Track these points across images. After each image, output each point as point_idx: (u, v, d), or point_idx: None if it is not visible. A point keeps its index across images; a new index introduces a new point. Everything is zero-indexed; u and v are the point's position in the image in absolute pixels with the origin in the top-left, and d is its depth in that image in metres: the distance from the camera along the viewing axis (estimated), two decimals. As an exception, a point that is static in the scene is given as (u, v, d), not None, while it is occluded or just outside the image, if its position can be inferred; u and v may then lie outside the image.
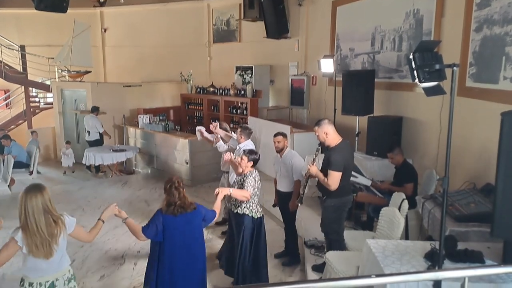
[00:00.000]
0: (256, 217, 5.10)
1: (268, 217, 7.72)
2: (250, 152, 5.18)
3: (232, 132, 7.46)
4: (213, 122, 7.44)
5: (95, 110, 11.87)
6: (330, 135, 4.85)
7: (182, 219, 4.09)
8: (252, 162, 5.07)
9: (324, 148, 5.00)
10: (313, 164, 4.95)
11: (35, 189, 3.44)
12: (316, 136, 4.95)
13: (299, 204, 5.52)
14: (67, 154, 11.90)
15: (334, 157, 4.76)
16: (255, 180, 4.99)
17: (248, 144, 6.53)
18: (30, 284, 3.46)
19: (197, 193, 9.61)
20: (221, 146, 7.13)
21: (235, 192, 4.84)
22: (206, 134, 7.66)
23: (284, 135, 6.00)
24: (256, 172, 5.12)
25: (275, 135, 5.97)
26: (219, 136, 7.15)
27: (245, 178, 5.02)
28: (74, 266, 6.09)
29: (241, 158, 5.10)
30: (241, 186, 5.01)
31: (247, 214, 5.05)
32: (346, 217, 5.31)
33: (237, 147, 6.58)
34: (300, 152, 6.11)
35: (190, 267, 4.19)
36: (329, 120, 4.97)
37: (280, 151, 5.94)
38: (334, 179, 4.73)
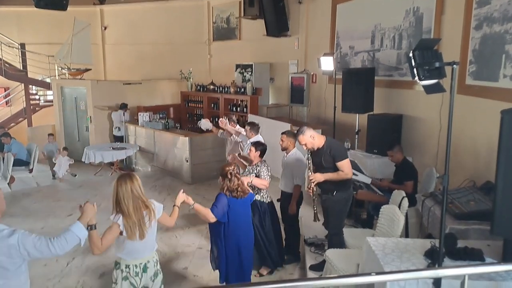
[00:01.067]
0: (266, 201, 5.61)
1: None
2: (256, 144, 5.67)
3: (239, 127, 7.85)
4: (221, 119, 7.77)
5: (124, 107, 12.23)
6: (316, 137, 4.88)
7: (242, 202, 4.66)
8: (259, 152, 5.54)
9: (312, 154, 4.98)
10: (314, 173, 4.90)
11: (126, 176, 3.74)
12: (303, 145, 4.91)
13: (315, 219, 5.24)
14: (61, 163, 10.77)
15: (334, 149, 4.81)
16: (267, 169, 5.46)
17: (257, 139, 6.77)
18: (127, 266, 3.73)
19: (197, 191, 9.61)
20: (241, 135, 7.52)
21: (256, 181, 5.29)
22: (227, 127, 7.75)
23: (289, 135, 5.90)
24: (266, 162, 5.55)
25: (282, 133, 6.02)
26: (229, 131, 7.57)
27: (258, 168, 5.50)
28: (74, 264, 6.14)
29: (250, 150, 5.62)
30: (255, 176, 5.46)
31: (258, 200, 5.50)
32: (346, 214, 5.32)
33: (248, 142, 6.90)
34: (300, 151, 6.08)
35: (250, 243, 4.87)
36: (307, 125, 4.97)
37: (284, 150, 5.94)
38: (347, 167, 4.81)
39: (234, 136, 7.76)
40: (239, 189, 4.60)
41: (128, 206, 3.62)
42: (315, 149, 4.89)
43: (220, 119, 7.78)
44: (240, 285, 4.39)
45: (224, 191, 4.58)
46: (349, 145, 7.65)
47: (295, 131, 5.61)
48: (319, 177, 4.83)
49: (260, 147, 5.61)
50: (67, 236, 3.06)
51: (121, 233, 3.63)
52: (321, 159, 4.89)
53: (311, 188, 4.95)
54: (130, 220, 3.61)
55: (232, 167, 4.68)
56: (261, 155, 5.58)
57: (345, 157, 4.83)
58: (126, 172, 3.95)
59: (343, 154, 4.80)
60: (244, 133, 7.26)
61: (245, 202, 4.71)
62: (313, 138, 4.84)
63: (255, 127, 7.01)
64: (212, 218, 4.42)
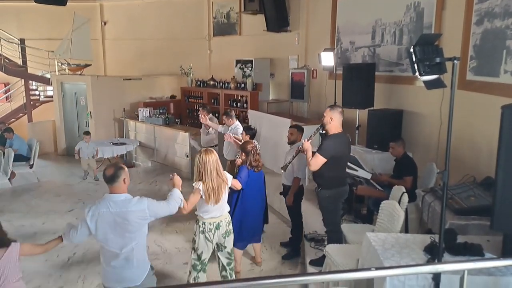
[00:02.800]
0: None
1: (270, 211, 7.74)
2: (247, 129, 6.76)
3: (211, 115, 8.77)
4: (200, 109, 8.48)
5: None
6: (334, 123, 4.88)
7: (259, 174, 5.55)
8: (249, 136, 6.51)
9: (323, 136, 5.05)
10: (308, 141, 4.96)
11: (209, 150, 4.55)
12: (323, 116, 4.99)
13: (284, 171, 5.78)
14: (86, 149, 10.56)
15: (325, 143, 4.84)
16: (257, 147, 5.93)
17: (237, 124, 7.79)
18: (203, 223, 4.56)
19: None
20: (220, 128, 8.20)
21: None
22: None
23: (299, 129, 6.07)
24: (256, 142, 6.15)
25: (290, 127, 6.23)
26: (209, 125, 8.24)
27: None
28: (75, 259, 6.16)
29: (242, 134, 6.71)
30: None
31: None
32: (346, 210, 5.34)
33: (230, 128, 7.72)
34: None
35: (261, 207, 5.79)
36: (342, 110, 4.99)
37: (291, 143, 6.01)
38: (316, 161, 4.81)
39: (212, 129, 8.46)
40: (259, 164, 5.47)
41: (207, 175, 4.41)
42: (326, 129, 4.95)
43: (201, 116, 8.25)
44: (240, 280, 4.41)
45: (247, 164, 5.38)
46: (349, 139, 7.65)
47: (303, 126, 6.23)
48: (307, 145, 4.92)
49: (251, 131, 6.65)
50: (175, 197, 3.99)
51: (201, 196, 4.40)
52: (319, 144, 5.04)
53: (298, 148, 5.25)
54: (209, 187, 4.40)
55: (253, 144, 5.50)
56: (251, 138, 6.44)
57: (322, 154, 4.78)
58: (206, 148, 4.73)
59: (324, 151, 4.79)
60: (220, 127, 8.19)
61: (259, 175, 5.58)
62: (330, 120, 4.88)
63: (230, 114, 7.81)
64: (239, 186, 5.11)
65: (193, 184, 4.48)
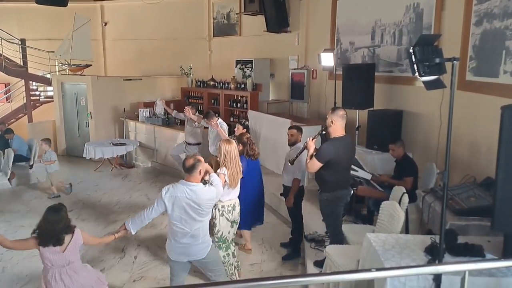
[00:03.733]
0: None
1: (270, 211, 7.76)
2: (241, 123, 7.49)
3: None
4: (186, 107, 9.18)
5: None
6: (335, 126, 4.83)
7: (256, 162, 5.99)
8: (245, 129, 7.24)
9: (324, 137, 5.06)
10: (312, 140, 4.94)
11: (230, 140, 5.19)
12: (326, 118, 4.97)
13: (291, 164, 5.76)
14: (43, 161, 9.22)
15: (323, 148, 4.82)
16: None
17: (220, 121, 8.41)
18: (222, 206, 5.12)
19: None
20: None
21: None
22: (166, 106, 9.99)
23: (299, 130, 6.06)
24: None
25: (289, 128, 6.18)
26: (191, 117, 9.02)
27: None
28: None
29: (237, 127, 7.33)
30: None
31: None
32: (346, 211, 5.33)
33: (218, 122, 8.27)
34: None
35: (262, 192, 6.25)
36: (344, 114, 4.90)
37: (292, 144, 6.00)
38: (312, 164, 4.82)
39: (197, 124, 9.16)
40: (255, 153, 5.87)
41: (231, 162, 4.98)
42: (327, 131, 4.92)
43: (185, 107, 9.17)
44: (240, 281, 4.41)
45: (244, 154, 5.72)
46: (353, 142, 7.66)
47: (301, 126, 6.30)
48: (310, 144, 4.92)
49: (245, 124, 7.52)
50: (217, 180, 4.42)
51: (225, 181, 4.88)
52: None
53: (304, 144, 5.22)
54: (234, 172, 5.00)
55: (248, 135, 5.99)
56: (247, 131, 7.14)
57: (318, 158, 4.76)
58: (227, 138, 5.47)
59: (320, 155, 4.77)
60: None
61: (257, 163, 6.02)
62: (331, 123, 4.85)
63: (210, 114, 8.25)
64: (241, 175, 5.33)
65: (218, 171, 4.95)
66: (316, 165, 4.79)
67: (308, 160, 4.86)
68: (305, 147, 5.12)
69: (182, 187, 4.14)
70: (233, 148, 5.05)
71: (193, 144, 9.35)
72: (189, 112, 8.97)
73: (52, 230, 3.83)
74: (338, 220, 5.18)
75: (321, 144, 4.96)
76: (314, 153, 4.85)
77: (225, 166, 5.00)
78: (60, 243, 3.88)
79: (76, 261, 4.02)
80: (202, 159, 4.29)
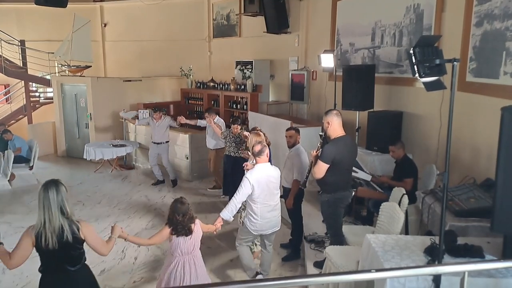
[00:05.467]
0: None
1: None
2: (234, 121, 8.09)
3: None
4: (178, 117, 9.58)
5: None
6: (332, 126, 4.85)
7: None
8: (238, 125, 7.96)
9: (325, 141, 5.04)
10: (316, 152, 4.97)
11: (258, 133, 6.00)
12: (322, 123, 5.01)
13: (303, 188, 5.81)
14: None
15: (326, 149, 4.81)
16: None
17: (219, 118, 8.92)
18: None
19: (197, 188, 9.64)
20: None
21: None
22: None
23: (297, 130, 6.06)
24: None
25: (287, 130, 6.17)
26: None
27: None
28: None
29: (234, 127, 7.98)
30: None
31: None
32: (346, 212, 5.33)
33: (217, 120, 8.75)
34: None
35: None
36: (338, 112, 4.94)
37: (291, 146, 6.00)
38: (319, 168, 4.80)
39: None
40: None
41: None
42: (326, 135, 4.97)
43: (178, 117, 9.54)
44: (240, 282, 4.40)
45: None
46: (353, 142, 7.66)
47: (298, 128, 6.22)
48: (314, 155, 4.97)
49: (238, 120, 8.12)
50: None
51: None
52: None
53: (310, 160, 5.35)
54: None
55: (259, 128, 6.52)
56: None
57: (324, 161, 4.76)
58: (256, 131, 6.00)
59: (324, 156, 4.77)
60: (203, 121, 9.23)
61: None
62: (328, 125, 4.88)
63: (212, 111, 8.79)
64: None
65: (249, 161, 5.62)
66: (322, 167, 4.77)
67: (313, 166, 4.87)
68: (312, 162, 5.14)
69: (259, 170, 4.96)
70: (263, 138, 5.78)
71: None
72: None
73: (182, 221, 4.21)
74: (339, 221, 5.18)
75: (327, 146, 4.90)
76: (319, 157, 4.83)
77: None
78: (190, 232, 4.26)
79: (197, 250, 4.40)
80: (266, 144, 5.20)
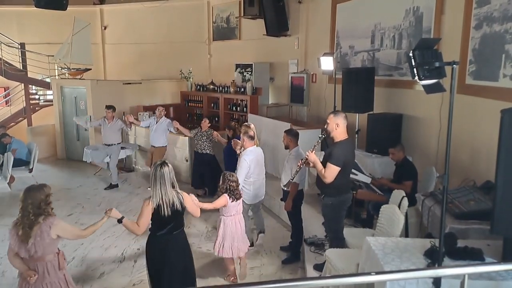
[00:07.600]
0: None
1: (269, 215, 7.76)
2: (229, 127, 8.58)
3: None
4: (172, 121, 9.93)
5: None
6: (340, 129, 4.82)
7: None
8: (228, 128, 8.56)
9: (325, 142, 5.03)
10: (312, 152, 4.87)
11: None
12: (326, 123, 4.90)
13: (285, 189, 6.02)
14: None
15: (336, 151, 4.76)
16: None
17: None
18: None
19: (196, 191, 9.63)
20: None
21: None
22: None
23: (289, 133, 6.05)
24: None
25: (285, 131, 6.20)
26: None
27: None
28: (73, 263, 6.14)
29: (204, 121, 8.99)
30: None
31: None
32: (346, 214, 5.31)
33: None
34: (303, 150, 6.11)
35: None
36: (346, 116, 4.93)
37: (286, 148, 6.04)
38: (331, 172, 4.72)
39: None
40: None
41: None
42: (331, 136, 4.87)
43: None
44: (240, 285, 4.40)
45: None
46: (354, 145, 7.66)
47: (296, 130, 6.18)
48: (313, 157, 4.82)
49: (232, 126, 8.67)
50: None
51: None
52: (326, 152, 4.99)
53: (302, 161, 5.18)
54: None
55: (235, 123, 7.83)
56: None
57: (335, 163, 4.70)
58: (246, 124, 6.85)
59: (336, 159, 4.71)
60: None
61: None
62: (336, 126, 4.81)
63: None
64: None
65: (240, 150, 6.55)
66: (334, 171, 4.72)
67: (323, 171, 4.77)
68: (303, 164, 5.11)
69: (251, 151, 6.18)
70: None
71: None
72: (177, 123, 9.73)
73: (231, 185, 5.31)
74: (341, 224, 5.17)
75: (331, 149, 4.88)
76: (328, 161, 4.77)
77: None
78: (240, 196, 5.44)
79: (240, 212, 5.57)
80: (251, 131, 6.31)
